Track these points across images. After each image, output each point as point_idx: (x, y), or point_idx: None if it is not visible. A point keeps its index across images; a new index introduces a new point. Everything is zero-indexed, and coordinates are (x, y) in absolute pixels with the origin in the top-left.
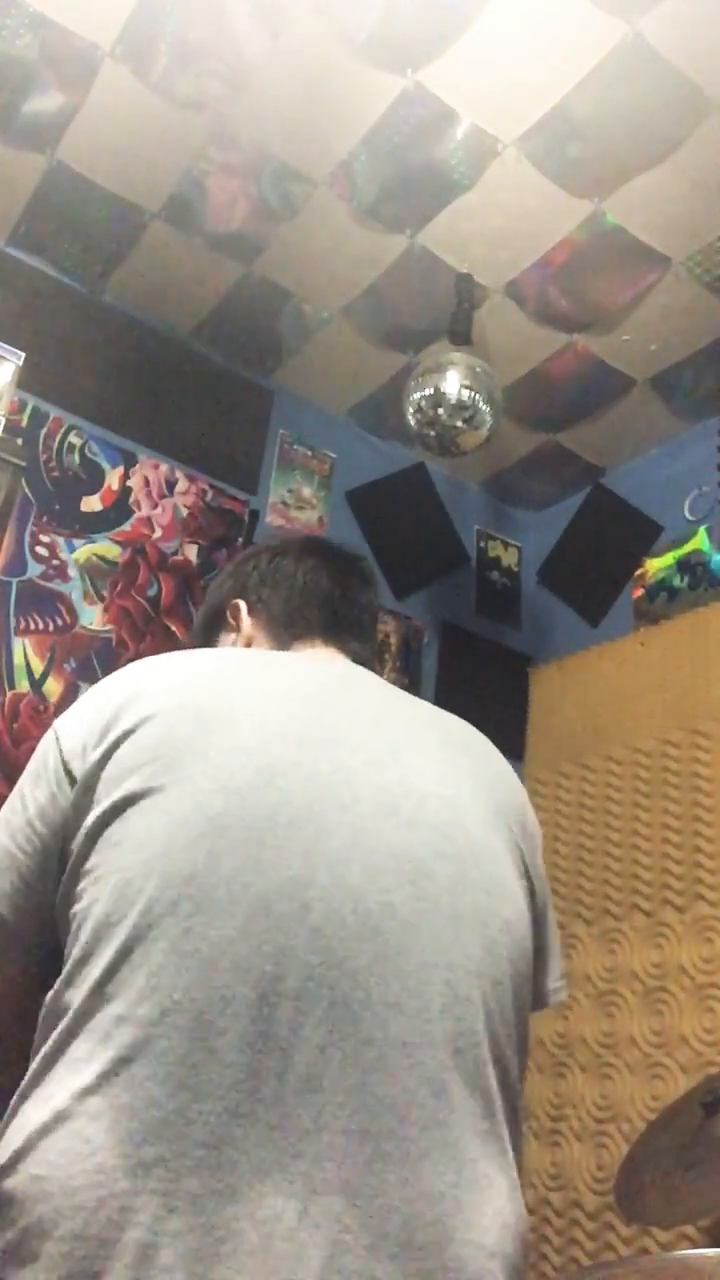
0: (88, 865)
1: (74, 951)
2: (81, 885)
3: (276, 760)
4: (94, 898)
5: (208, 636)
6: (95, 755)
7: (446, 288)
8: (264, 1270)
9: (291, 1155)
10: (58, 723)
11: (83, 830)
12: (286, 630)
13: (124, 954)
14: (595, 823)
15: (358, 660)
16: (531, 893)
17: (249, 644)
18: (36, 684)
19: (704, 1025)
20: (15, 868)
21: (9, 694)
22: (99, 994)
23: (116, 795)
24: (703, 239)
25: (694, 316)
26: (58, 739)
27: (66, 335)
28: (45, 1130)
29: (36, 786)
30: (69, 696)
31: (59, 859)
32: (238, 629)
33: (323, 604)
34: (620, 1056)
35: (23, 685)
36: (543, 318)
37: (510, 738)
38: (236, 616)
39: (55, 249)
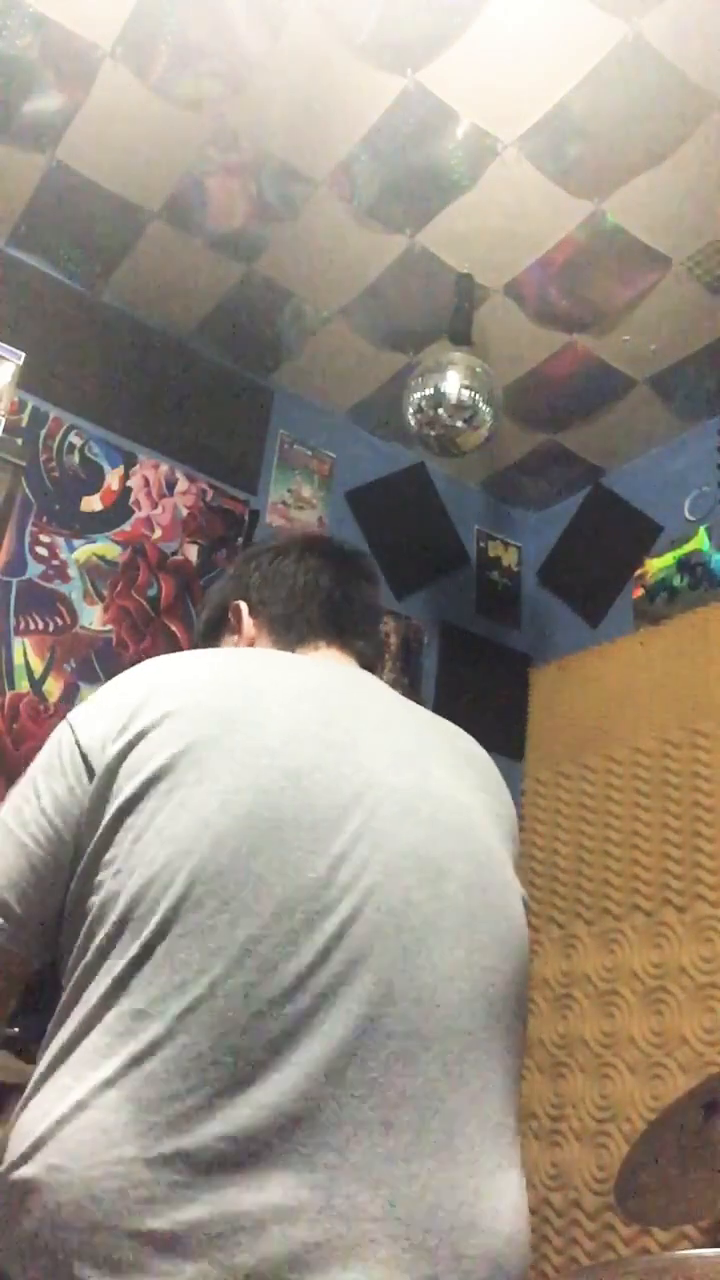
0: (106, 857)
1: (93, 944)
2: (100, 877)
3: (301, 761)
4: (114, 891)
5: (210, 637)
6: (115, 749)
7: (446, 288)
8: (288, 1261)
9: (314, 1146)
10: (72, 716)
11: (102, 823)
12: (288, 632)
13: (148, 949)
14: (595, 823)
15: (363, 660)
16: (523, 897)
17: (251, 645)
18: (36, 684)
19: (704, 1025)
20: (26, 857)
21: (9, 694)
22: (121, 987)
23: (137, 789)
24: (703, 239)
25: (694, 316)
26: (74, 731)
27: (66, 335)
28: (64, 1121)
29: (51, 777)
30: (69, 696)
31: (73, 851)
32: (239, 631)
33: (323, 605)
34: (620, 1056)
35: (23, 685)
36: (543, 318)
37: (510, 738)
38: (238, 618)
39: (55, 249)
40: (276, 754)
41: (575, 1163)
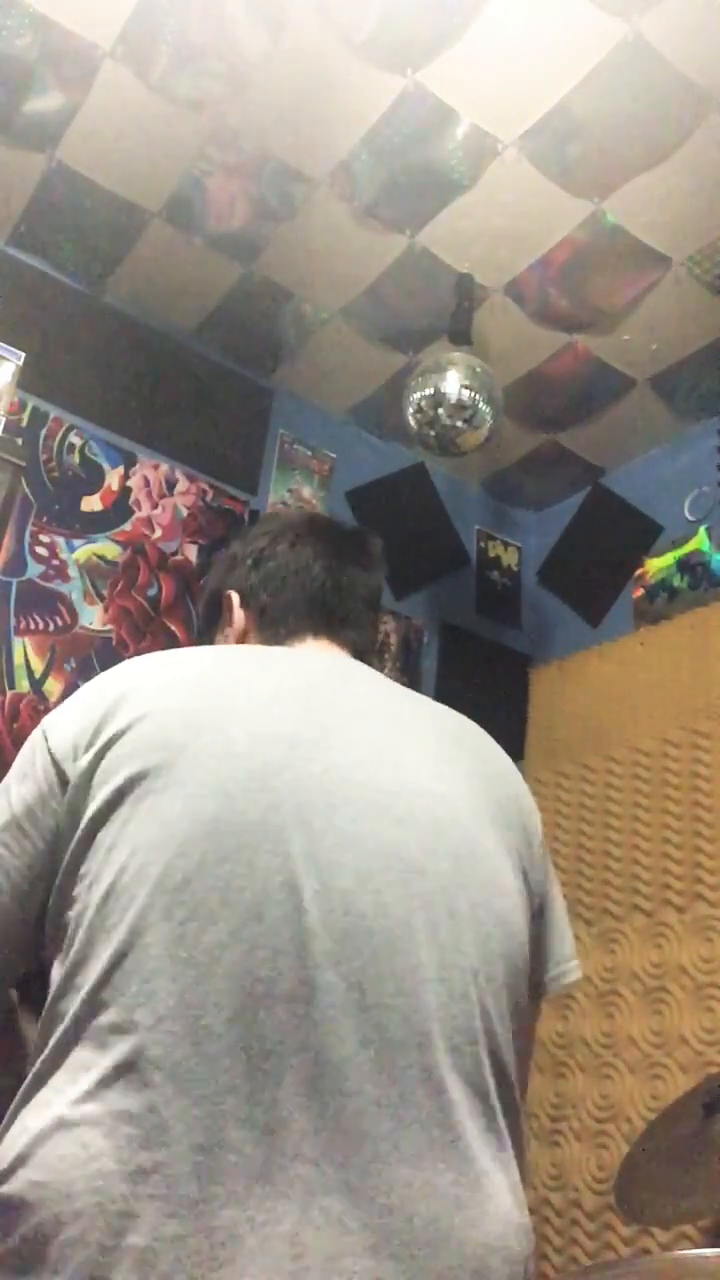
0: (81, 870)
1: (68, 957)
2: (76, 890)
3: (268, 762)
4: (87, 904)
5: (208, 628)
6: (87, 757)
7: (446, 288)
8: (265, 1274)
9: (290, 1157)
10: (45, 722)
11: (76, 835)
12: (278, 625)
13: (118, 960)
14: (595, 823)
15: (356, 651)
16: (529, 886)
17: (242, 638)
18: (36, 684)
19: (704, 1025)
20: (4, 870)
21: (9, 694)
22: (94, 1001)
23: (108, 799)
24: (703, 239)
25: (694, 316)
26: (46, 738)
27: (66, 335)
28: (44, 1136)
29: (24, 786)
30: (69, 696)
31: (49, 861)
32: (231, 623)
33: (313, 598)
34: (620, 1056)
35: (23, 685)
36: (543, 318)
37: (510, 738)
38: (229, 609)
39: (55, 249)
40: (243, 756)
41: (575, 1163)
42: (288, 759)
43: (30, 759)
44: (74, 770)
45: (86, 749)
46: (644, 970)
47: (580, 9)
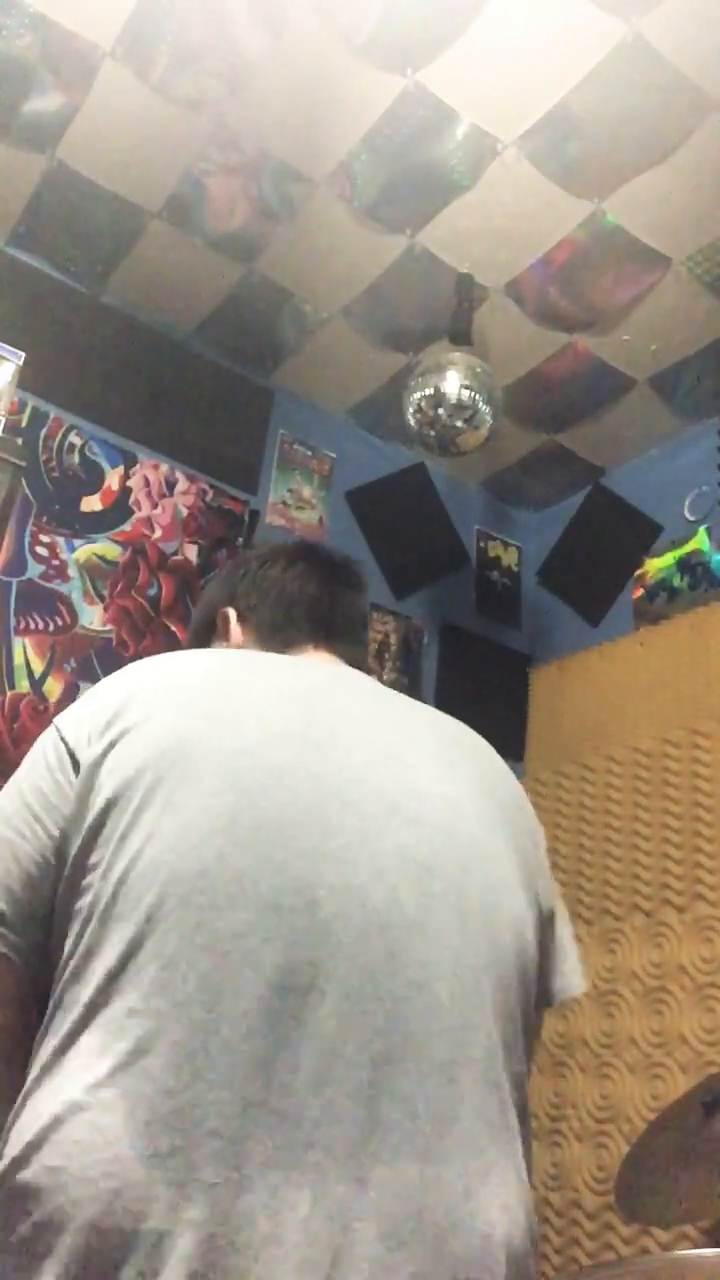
0: (92, 860)
1: (80, 945)
2: (87, 880)
3: (282, 760)
4: (100, 892)
5: (200, 643)
6: (98, 747)
7: (446, 288)
8: (278, 1259)
9: (304, 1145)
10: (57, 720)
11: (86, 823)
12: (276, 637)
13: (135, 947)
14: (595, 823)
15: (351, 664)
16: (535, 892)
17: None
18: (36, 684)
19: (704, 1025)
20: (14, 855)
21: (9, 694)
22: (110, 986)
23: (120, 788)
24: (703, 239)
25: (694, 316)
26: (59, 730)
27: (66, 335)
28: (58, 1121)
29: (35, 773)
30: (69, 696)
31: (60, 848)
32: (227, 637)
33: (310, 610)
34: (620, 1056)
35: (23, 685)
36: (543, 318)
37: (510, 738)
38: (226, 625)
39: (55, 249)
40: (257, 754)
41: (575, 1163)
42: (301, 757)
43: (42, 751)
44: (86, 756)
45: (98, 739)
46: (644, 970)
47: (580, 9)
